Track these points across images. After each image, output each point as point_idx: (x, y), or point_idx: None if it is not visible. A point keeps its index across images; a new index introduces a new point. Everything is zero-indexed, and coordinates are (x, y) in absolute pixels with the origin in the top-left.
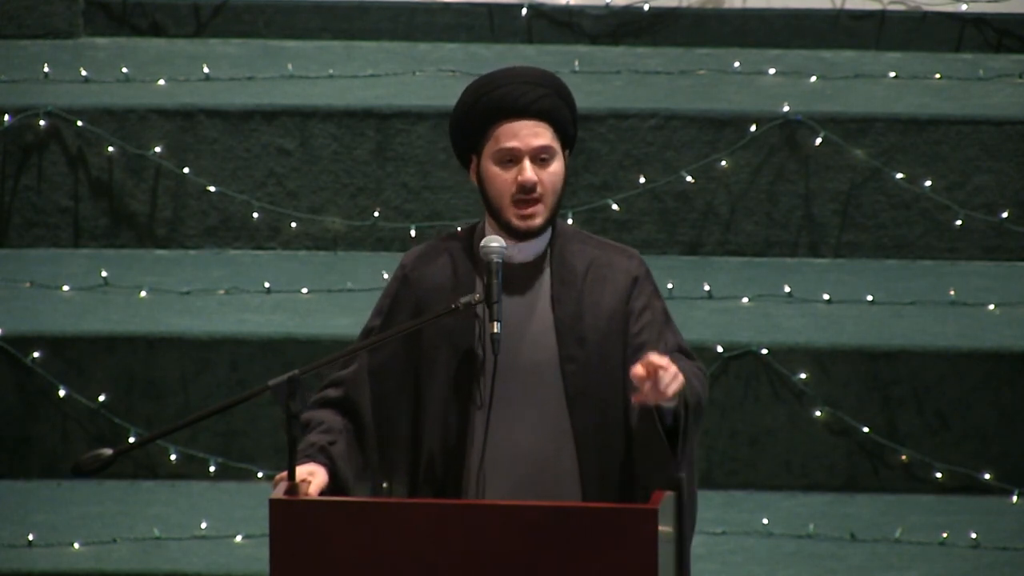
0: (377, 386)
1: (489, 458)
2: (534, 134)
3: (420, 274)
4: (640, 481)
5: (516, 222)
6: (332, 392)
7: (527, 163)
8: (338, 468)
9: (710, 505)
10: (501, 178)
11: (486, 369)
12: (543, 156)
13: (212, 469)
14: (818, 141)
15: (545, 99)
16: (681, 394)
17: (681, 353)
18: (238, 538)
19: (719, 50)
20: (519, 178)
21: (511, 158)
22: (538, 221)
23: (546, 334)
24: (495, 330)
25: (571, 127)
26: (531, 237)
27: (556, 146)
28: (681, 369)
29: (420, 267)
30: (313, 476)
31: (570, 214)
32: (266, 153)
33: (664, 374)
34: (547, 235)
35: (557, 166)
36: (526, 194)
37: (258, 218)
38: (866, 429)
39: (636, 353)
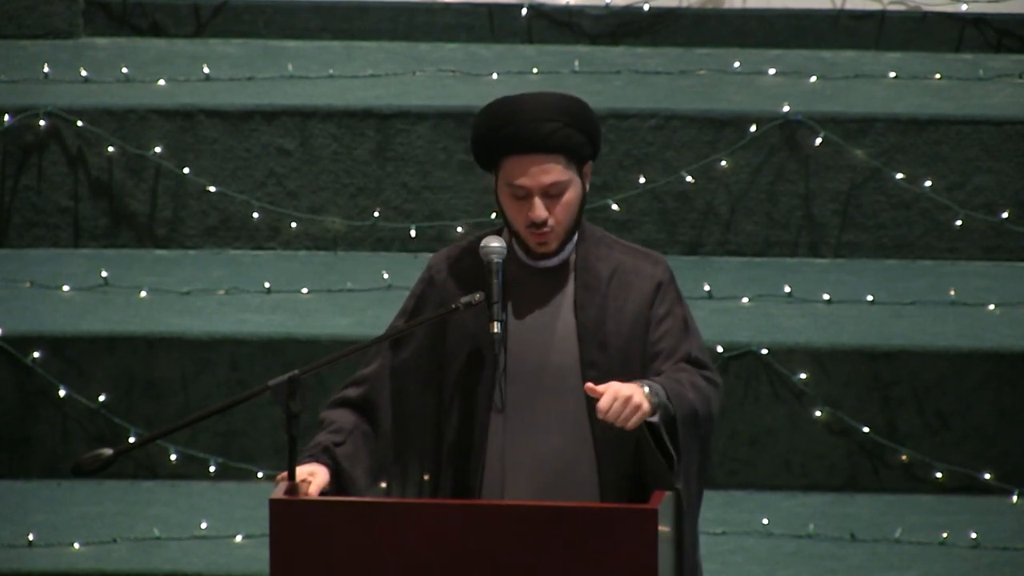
0: (399, 385)
1: (509, 461)
2: (543, 171)
3: (445, 275)
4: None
5: (532, 247)
6: (352, 391)
7: (537, 200)
8: (341, 468)
9: (710, 505)
10: (514, 209)
11: (503, 371)
12: (553, 192)
13: (212, 469)
14: (818, 141)
15: (556, 135)
16: (661, 408)
17: (692, 362)
18: (238, 538)
19: (719, 50)
20: (529, 214)
21: (522, 194)
22: (552, 246)
23: (568, 339)
24: (495, 330)
25: (587, 147)
26: (549, 258)
27: (568, 175)
28: (678, 380)
29: (445, 268)
30: (314, 476)
31: None
32: (266, 153)
33: (616, 409)
34: (572, 239)
35: (570, 195)
36: (537, 228)
37: (258, 218)
38: (866, 429)
39: (651, 362)
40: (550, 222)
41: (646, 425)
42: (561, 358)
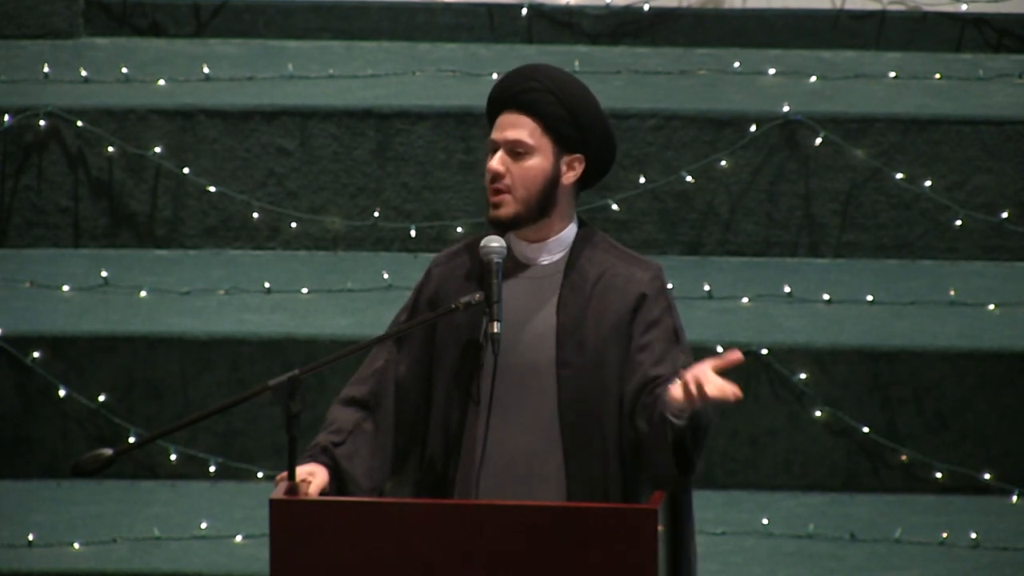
0: (401, 381)
1: (485, 457)
2: (512, 126)
3: (441, 270)
4: (636, 487)
5: (487, 212)
6: (357, 389)
7: (499, 153)
8: (341, 468)
9: (710, 505)
10: (486, 168)
11: (487, 368)
12: (517, 150)
13: (212, 469)
14: (818, 141)
15: (529, 93)
16: (695, 415)
17: None
18: (238, 538)
19: (719, 50)
20: (487, 165)
21: (492, 148)
22: (502, 212)
23: (547, 337)
24: (495, 330)
25: (567, 127)
26: (504, 229)
27: (536, 142)
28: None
29: (443, 264)
30: (313, 476)
31: None
32: (266, 153)
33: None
34: (569, 240)
35: (534, 162)
36: (491, 183)
37: (258, 218)
38: (866, 429)
39: (634, 375)
40: (506, 180)
41: (673, 428)
42: (538, 356)
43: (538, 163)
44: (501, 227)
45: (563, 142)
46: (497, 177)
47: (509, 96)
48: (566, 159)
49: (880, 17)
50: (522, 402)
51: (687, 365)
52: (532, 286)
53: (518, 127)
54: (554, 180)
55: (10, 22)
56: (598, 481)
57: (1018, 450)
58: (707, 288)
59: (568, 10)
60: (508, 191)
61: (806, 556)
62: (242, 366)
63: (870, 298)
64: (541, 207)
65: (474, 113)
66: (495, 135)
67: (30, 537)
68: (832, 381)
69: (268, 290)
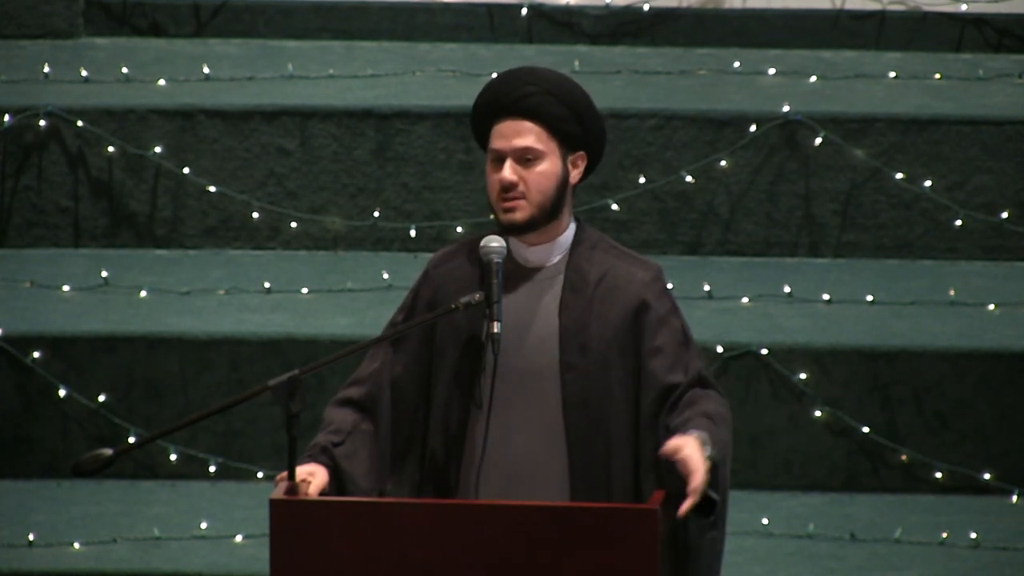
0: (398, 382)
1: (487, 458)
2: (518, 134)
3: (439, 271)
4: (640, 488)
5: (501, 216)
6: (354, 390)
7: (508, 163)
8: (340, 468)
9: None
10: (491, 177)
11: (488, 369)
12: (527, 156)
13: (212, 469)
14: (818, 141)
15: (532, 97)
16: (711, 462)
17: (702, 382)
18: (238, 538)
19: (719, 50)
20: (497, 176)
21: (498, 157)
22: (519, 216)
23: (550, 339)
24: (495, 330)
25: (571, 126)
26: (519, 232)
27: (544, 146)
28: (710, 416)
29: (441, 264)
30: (313, 476)
31: None
32: (266, 153)
33: (695, 477)
34: (568, 241)
35: (545, 166)
36: (506, 192)
37: (258, 218)
38: (866, 429)
39: (649, 383)
40: (520, 187)
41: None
42: (541, 359)
43: (549, 166)
44: (517, 232)
45: (568, 141)
46: (512, 186)
47: (509, 103)
48: (571, 158)
49: (880, 17)
50: (524, 404)
51: (699, 369)
52: (533, 288)
53: (524, 134)
54: (564, 181)
55: (10, 22)
56: (602, 483)
57: (1018, 450)
58: (707, 288)
59: (568, 10)
60: (523, 197)
61: (806, 556)
62: (242, 366)
63: (870, 298)
64: (554, 209)
65: None
66: (499, 144)
67: (30, 537)
68: (832, 381)
69: (268, 290)
